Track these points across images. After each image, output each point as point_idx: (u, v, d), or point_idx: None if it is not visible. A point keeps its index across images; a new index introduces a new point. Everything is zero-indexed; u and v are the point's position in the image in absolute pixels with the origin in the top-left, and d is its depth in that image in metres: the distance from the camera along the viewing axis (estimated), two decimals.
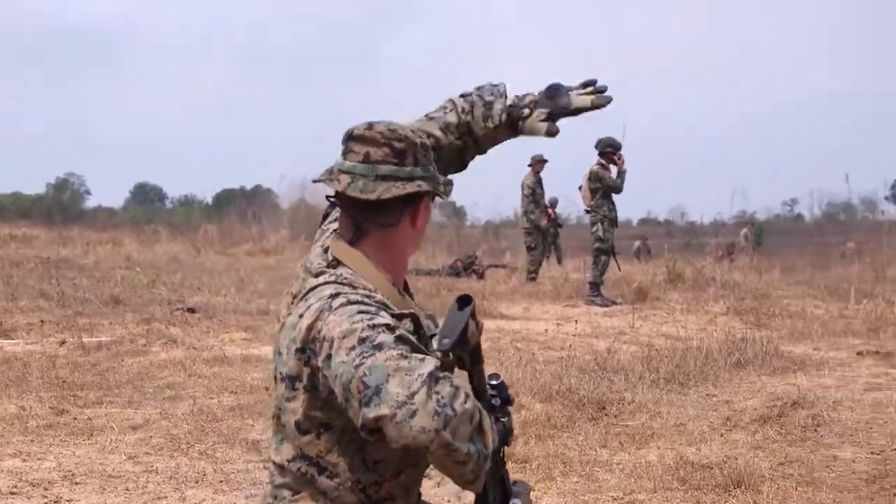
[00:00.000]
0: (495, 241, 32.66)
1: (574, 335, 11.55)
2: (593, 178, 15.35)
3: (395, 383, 2.32)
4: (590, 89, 3.43)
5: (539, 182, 19.15)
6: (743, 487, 6.04)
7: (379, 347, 2.39)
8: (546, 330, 11.64)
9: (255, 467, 6.52)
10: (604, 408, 7.87)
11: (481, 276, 20.57)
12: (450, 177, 3.05)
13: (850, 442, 7.16)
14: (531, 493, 2.96)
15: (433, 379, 2.33)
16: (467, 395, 2.40)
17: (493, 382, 2.79)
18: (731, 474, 6.20)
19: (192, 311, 12.69)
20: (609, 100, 3.42)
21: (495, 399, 2.77)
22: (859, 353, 10.62)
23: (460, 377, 2.53)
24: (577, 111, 3.42)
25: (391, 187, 2.76)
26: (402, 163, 2.79)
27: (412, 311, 2.72)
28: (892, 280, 19.30)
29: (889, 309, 13.59)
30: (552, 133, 3.38)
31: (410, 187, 2.78)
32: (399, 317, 2.62)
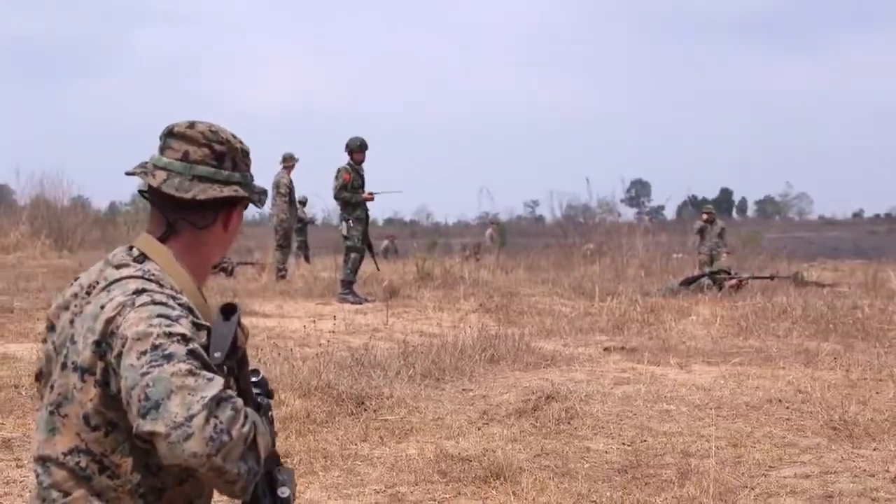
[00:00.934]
0: (241, 239, 32.26)
1: (329, 332, 11.53)
2: (339, 177, 15.40)
3: (177, 402, 2.25)
4: None
5: (291, 181, 19.12)
6: (502, 479, 6.16)
7: (168, 358, 2.31)
8: (303, 327, 11.59)
9: (7, 466, 6.29)
10: (363, 403, 7.89)
11: (230, 273, 20.29)
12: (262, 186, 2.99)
13: (603, 434, 7.39)
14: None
15: (215, 402, 2.28)
16: (246, 418, 2.35)
17: (254, 379, 2.76)
18: (490, 466, 6.31)
19: None
20: None
21: (260, 398, 2.75)
22: (606, 349, 10.96)
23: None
24: None
25: (208, 188, 2.70)
26: (220, 165, 2.74)
27: (209, 324, 2.65)
28: (631, 279, 20.02)
29: (632, 307, 14.11)
30: None
31: (227, 191, 2.73)
32: (199, 327, 2.54)
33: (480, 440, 7.14)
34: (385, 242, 33.51)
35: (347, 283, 15.32)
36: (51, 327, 2.74)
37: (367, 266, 16.33)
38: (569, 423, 7.59)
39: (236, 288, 16.29)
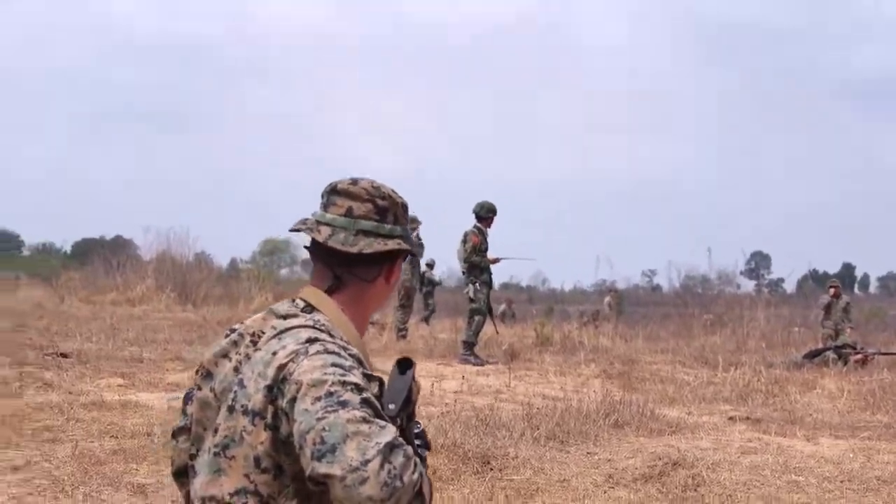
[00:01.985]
0: None
1: (454, 392, 11.61)
2: (467, 240, 15.55)
3: (352, 446, 2.33)
4: None
5: (416, 241, 19.29)
6: None
7: (343, 405, 2.40)
8: (427, 386, 11.68)
9: None
10: (488, 462, 7.92)
11: None
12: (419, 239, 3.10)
13: (730, 502, 7.33)
14: None
15: (389, 449, 2.35)
16: (416, 465, 2.42)
17: (416, 431, 2.86)
18: None
19: (64, 355, 12.46)
20: None
21: (420, 449, 2.83)
22: (730, 419, 10.86)
23: None
24: None
25: (373, 242, 2.83)
26: (383, 220, 2.87)
27: (380, 375, 2.75)
28: (753, 350, 19.80)
29: (755, 377, 13.97)
30: None
31: (392, 244, 2.86)
32: (369, 377, 2.64)
33: (606, 503, 7.14)
34: (502, 306, 33.56)
35: (469, 345, 15.41)
36: (206, 374, 2.84)
37: (487, 329, 16.42)
38: (695, 489, 7.54)
39: None
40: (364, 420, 2.39)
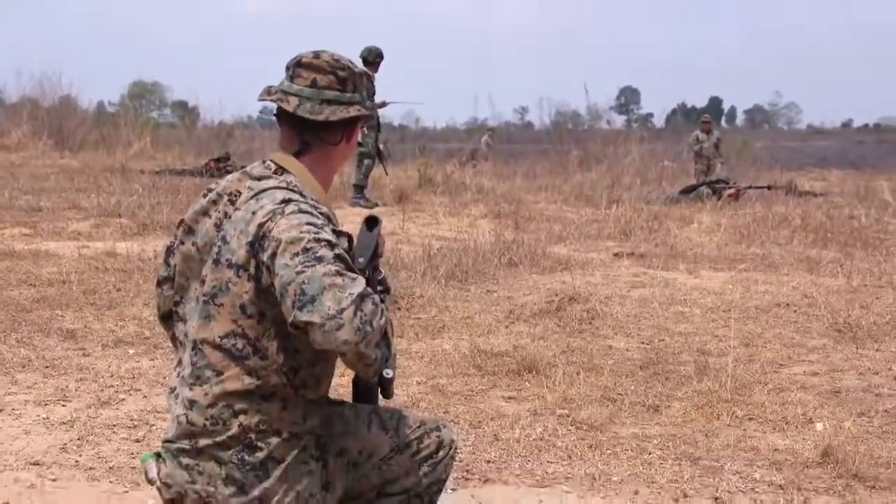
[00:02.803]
0: (227, 142, 32.39)
1: None
2: None
3: (329, 297, 2.72)
4: None
5: None
6: (534, 372, 6.65)
7: (319, 260, 2.79)
8: None
9: (75, 354, 6.79)
10: (396, 302, 8.35)
11: None
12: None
13: (623, 333, 7.89)
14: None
15: (360, 298, 2.75)
16: (382, 311, 2.84)
17: (379, 277, 3.27)
18: (522, 361, 6.80)
19: None
20: None
21: (383, 294, 3.26)
22: (616, 255, 11.43)
23: None
24: None
25: (336, 110, 3.16)
26: (344, 89, 3.20)
27: (347, 231, 3.11)
28: (628, 187, 20.44)
29: (636, 214, 14.57)
30: None
31: (352, 111, 3.19)
32: (338, 233, 3.00)
33: (509, 337, 7.62)
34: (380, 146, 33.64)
35: (359, 188, 15.74)
36: (188, 230, 3.19)
37: (375, 171, 16.71)
38: (590, 322, 8.08)
39: None
40: (338, 273, 2.78)
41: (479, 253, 10.49)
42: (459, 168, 22.70)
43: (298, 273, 2.77)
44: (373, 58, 15.63)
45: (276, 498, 3.04)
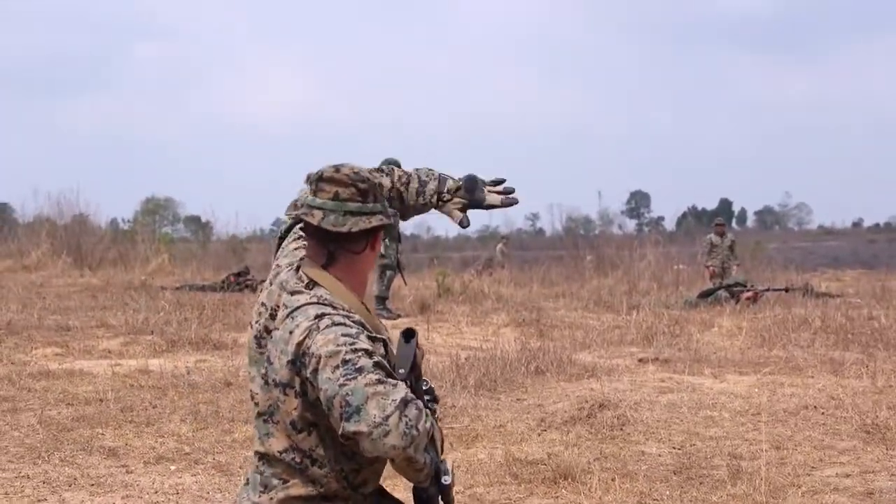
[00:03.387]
0: (243, 256, 32.66)
1: None
2: None
3: (374, 405, 2.87)
4: (500, 188, 4.03)
5: None
6: (569, 480, 6.75)
7: (360, 371, 2.95)
8: None
9: (118, 471, 6.91)
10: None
11: (255, 289, 20.82)
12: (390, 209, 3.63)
13: (654, 438, 7.98)
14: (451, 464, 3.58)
15: (404, 404, 2.91)
16: (427, 415, 2.99)
17: (424, 388, 3.43)
18: (556, 468, 6.89)
19: None
20: (516, 201, 4.03)
21: (430, 403, 3.41)
22: (641, 360, 11.53)
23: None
24: (489, 207, 4.02)
25: (359, 221, 3.33)
26: (365, 200, 3.37)
27: (384, 336, 3.27)
28: (644, 291, 20.60)
29: (657, 319, 14.69)
30: (464, 225, 4.00)
31: (375, 221, 3.36)
32: (374, 339, 3.16)
33: (542, 445, 7.72)
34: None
35: (381, 300, 15.89)
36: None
37: (395, 282, 16.88)
38: (621, 429, 8.18)
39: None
40: (379, 382, 2.94)
41: (506, 362, 10.61)
42: (477, 277, 22.90)
43: (341, 386, 2.93)
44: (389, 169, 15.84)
45: None
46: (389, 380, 2.96)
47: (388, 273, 15.96)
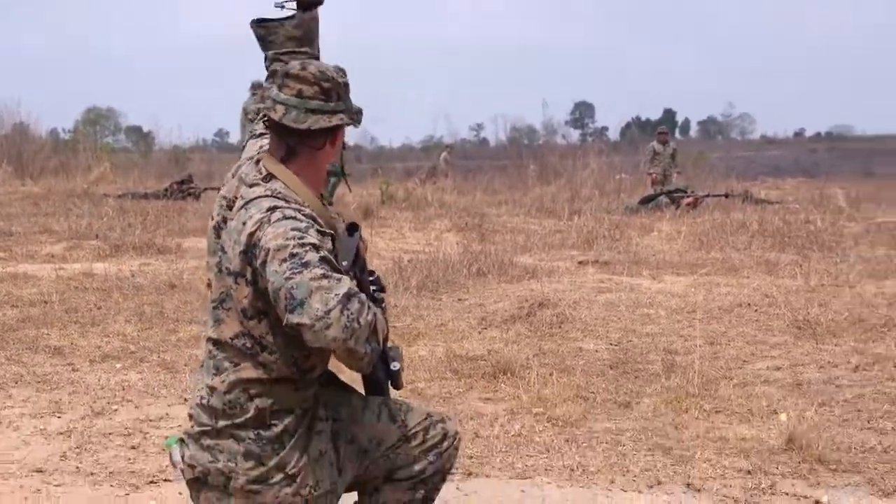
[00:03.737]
0: (185, 165, 32.47)
1: None
2: None
3: (317, 299, 2.96)
4: None
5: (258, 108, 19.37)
6: (509, 374, 6.90)
7: (306, 265, 3.03)
8: None
9: (64, 369, 7.00)
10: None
11: (198, 197, 20.72)
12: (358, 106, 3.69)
13: (592, 335, 8.17)
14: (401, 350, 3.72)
15: (346, 297, 2.99)
16: (369, 308, 3.08)
17: (371, 278, 3.54)
18: (496, 364, 7.05)
19: None
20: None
21: (376, 292, 3.52)
22: (581, 263, 11.73)
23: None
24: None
25: (319, 119, 3.39)
26: (328, 99, 3.43)
27: (332, 232, 3.36)
28: (587, 199, 20.76)
29: (598, 224, 14.88)
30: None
31: (335, 120, 3.43)
32: (323, 234, 3.25)
33: (483, 342, 7.88)
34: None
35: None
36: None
37: (339, 189, 16.90)
38: (560, 326, 8.36)
39: (205, 211, 16.86)
40: (324, 276, 3.02)
41: (447, 264, 10.75)
42: (420, 185, 22.96)
43: (287, 279, 3.02)
44: None
45: (291, 462, 3.31)
46: (334, 274, 3.04)
47: (332, 179, 15.93)
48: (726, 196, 19.54)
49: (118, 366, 7.14)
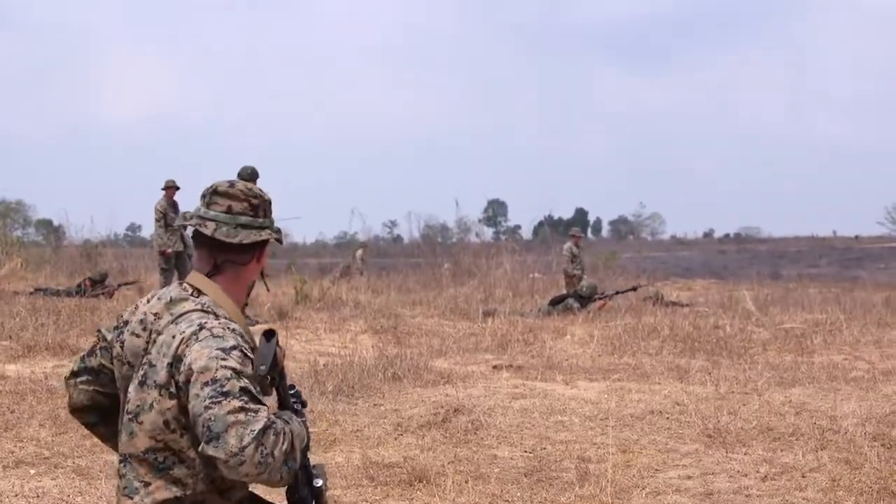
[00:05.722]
0: (97, 261, 32.23)
1: None
2: None
3: (233, 434, 3.05)
4: None
5: (173, 206, 19.32)
6: (425, 482, 6.97)
7: (226, 395, 3.12)
8: None
9: None
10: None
11: (111, 296, 20.57)
12: (278, 225, 3.80)
13: (507, 443, 8.25)
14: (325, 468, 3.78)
15: (262, 432, 3.08)
16: (284, 437, 3.16)
17: (291, 392, 3.62)
18: (412, 471, 7.11)
19: None
20: None
21: (297, 404, 3.60)
22: (495, 367, 11.83)
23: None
24: None
25: (249, 234, 3.53)
26: (256, 215, 3.56)
27: (252, 356, 3.43)
28: (501, 300, 20.97)
29: (512, 327, 15.04)
30: None
31: (264, 234, 3.57)
32: (245, 356, 3.30)
33: (399, 449, 7.94)
34: None
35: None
36: (122, 343, 3.53)
37: (257, 289, 16.91)
38: (475, 433, 8.43)
39: (120, 309, 16.77)
40: (241, 409, 3.11)
41: (363, 368, 10.81)
42: (335, 283, 23.03)
43: (206, 408, 3.11)
44: (247, 177, 15.89)
45: None
46: (252, 406, 3.12)
47: (244, 300, 15.93)
48: (634, 289, 19.93)
49: (32, 472, 7.09)
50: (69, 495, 6.56)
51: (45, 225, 59.79)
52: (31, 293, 18.97)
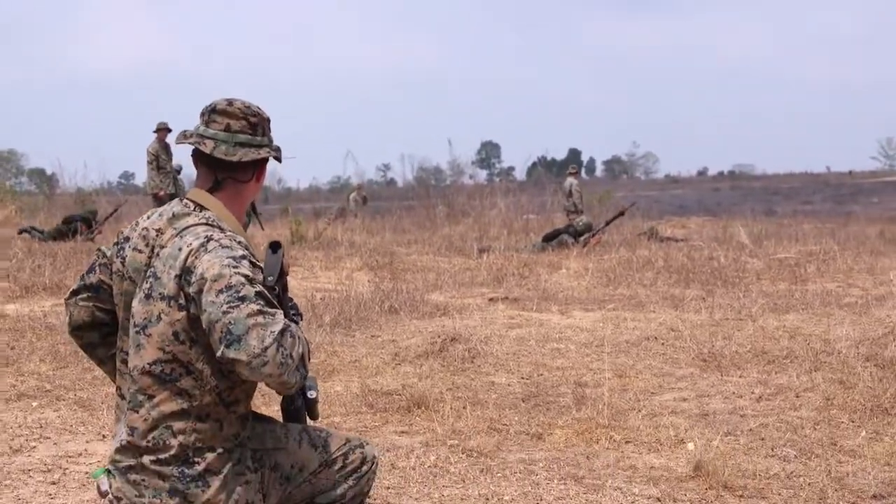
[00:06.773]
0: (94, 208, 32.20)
1: None
2: None
3: (254, 336, 3.13)
4: None
5: (165, 149, 19.31)
6: (423, 408, 7.02)
7: (243, 300, 3.18)
8: None
9: None
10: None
11: (101, 232, 20.44)
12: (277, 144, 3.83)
13: (504, 370, 8.32)
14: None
15: (281, 334, 3.16)
16: (299, 340, 3.26)
17: (290, 304, 3.67)
18: (410, 398, 7.16)
19: None
20: None
21: (296, 316, 3.66)
22: (491, 300, 11.91)
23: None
24: None
25: (248, 152, 3.58)
26: (255, 133, 3.61)
27: (261, 264, 3.48)
28: (495, 238, 21.00)
29: (507, 262, 15.10)
30: None
31: (263, 153, 3.62)
32: (255, 265, 3.38)
33: (397, 377, 8.00)
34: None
35: None
36: (123, 259, 3.58)
37: (250, 229, 16.95)
38: (472, 361, 8.50)
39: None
40: (260, 312, 3.17)
41: (360, 302, 10.88)
42: (330, 224, 23.07)
43: (225, 313, 3.16)
44: None
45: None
46: (269, 309, 3.20)
47: (244, 219, 15.99)
48: (622, 214, 20.06)
49: (34, 404, 7.14)
50: (72, 425, 6.62)
51: (38, 174, 59.72)
52: (18, 232, 19.31)
